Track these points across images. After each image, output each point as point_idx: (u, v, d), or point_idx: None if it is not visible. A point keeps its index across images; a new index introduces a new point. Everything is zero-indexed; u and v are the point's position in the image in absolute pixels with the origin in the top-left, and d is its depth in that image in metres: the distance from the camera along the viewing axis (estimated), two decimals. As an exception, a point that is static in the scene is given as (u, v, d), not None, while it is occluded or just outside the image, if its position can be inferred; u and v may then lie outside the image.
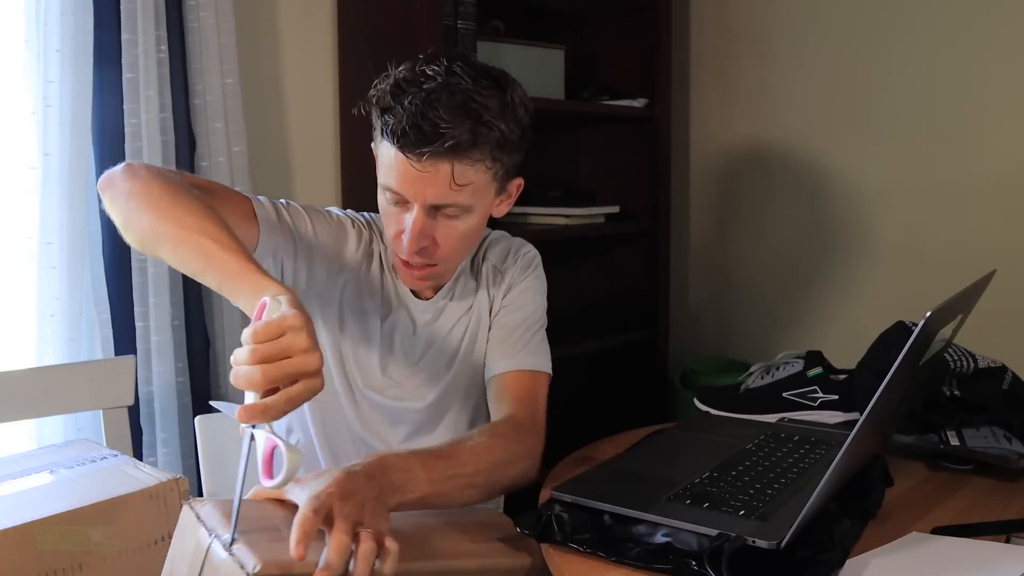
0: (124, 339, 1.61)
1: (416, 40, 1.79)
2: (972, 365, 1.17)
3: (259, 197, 1.12)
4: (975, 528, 0.91)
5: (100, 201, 1.66)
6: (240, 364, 0.76)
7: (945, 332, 0.98)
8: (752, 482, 0.97)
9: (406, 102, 1.00)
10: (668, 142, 2.31)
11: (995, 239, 1.92)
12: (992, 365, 1.18)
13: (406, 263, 1.09)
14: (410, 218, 1.05)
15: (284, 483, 0.76)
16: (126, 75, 1.57)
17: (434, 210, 1.05)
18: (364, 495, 0.82)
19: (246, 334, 0.76)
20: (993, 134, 1.91)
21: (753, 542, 0.81)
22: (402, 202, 1.05)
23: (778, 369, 1.35)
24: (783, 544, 0.80)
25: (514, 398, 1.14)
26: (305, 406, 1.18)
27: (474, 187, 1.04)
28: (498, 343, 1.19)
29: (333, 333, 1.16)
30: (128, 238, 0.98)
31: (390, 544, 0.79)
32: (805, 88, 2.21)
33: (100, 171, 1.61)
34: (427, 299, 1.19)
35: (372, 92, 1.05)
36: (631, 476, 1.03)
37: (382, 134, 1.04)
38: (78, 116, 1.52)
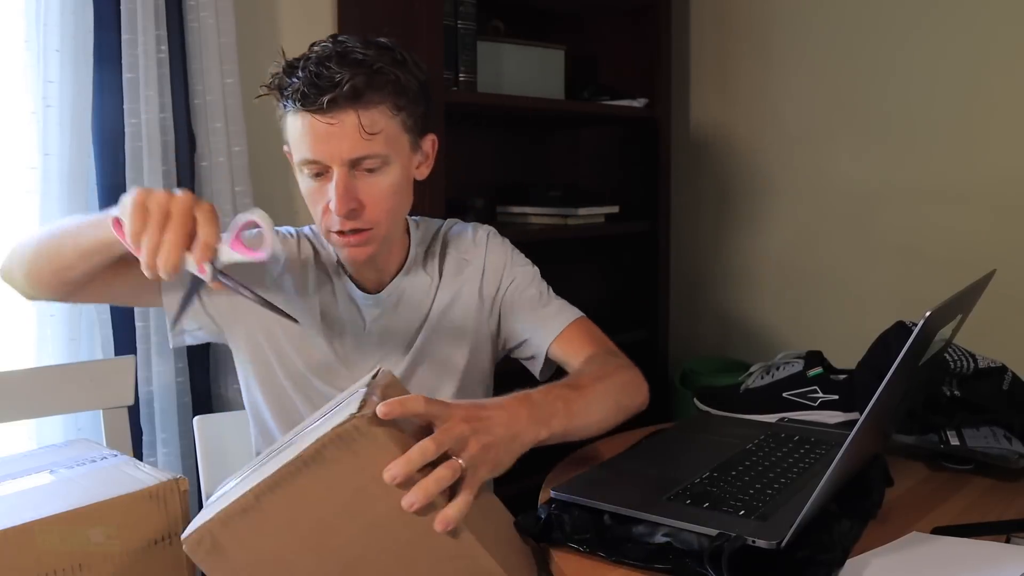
0: (124, 339, 1.61)
1: (416, 40, 1.79)
2: (972, 365, 1.17)
3: None
4: (975, 528, 0.91)
5: (99, 200, 1.65)
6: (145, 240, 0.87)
7: (945, 332, 0.98)
8: (752, 482, 0.97)
9: (299, 72, 1.03)
10: (668, 142, 2.31)
11: (995, 239, 1.92)
12: (992, 365, 1.18)
13: (340, 233, 1.09)
14: (332, 185, 1.05)
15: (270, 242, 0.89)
16: (126, 75, 1.57)
17: (353, 166, 1.05)
18: (486, 427, 0.82)
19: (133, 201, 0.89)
20: (993, 134, 1.91)
21: (753, 542, 0.81)
22: (322, 171, 1.06)
23: (778, 369, 1.35)
24: (783, 544, 0.80)
25: (582, 345, 1.18)
26: (266, 414, 1.19)
27: (385, 135, 1.05)
28: (527, 322, 1.22)
29: (268, 332, 1.17)
30: (33, 291, 1.09)
31: (466, 493, 0.76)
32: (805, 88, 2.21)
33: (100, 171, 1.61)
34: (375, 294, 1.19)
35: (269, 80, 1.07)
36: (631, 476, 1.03)
37: (285, 108, 1.07)
38: (78, 116, 1.52)
